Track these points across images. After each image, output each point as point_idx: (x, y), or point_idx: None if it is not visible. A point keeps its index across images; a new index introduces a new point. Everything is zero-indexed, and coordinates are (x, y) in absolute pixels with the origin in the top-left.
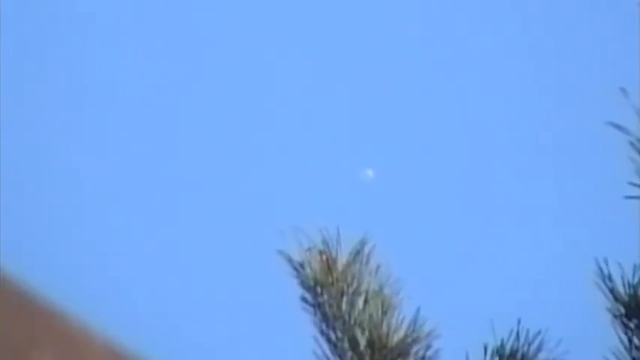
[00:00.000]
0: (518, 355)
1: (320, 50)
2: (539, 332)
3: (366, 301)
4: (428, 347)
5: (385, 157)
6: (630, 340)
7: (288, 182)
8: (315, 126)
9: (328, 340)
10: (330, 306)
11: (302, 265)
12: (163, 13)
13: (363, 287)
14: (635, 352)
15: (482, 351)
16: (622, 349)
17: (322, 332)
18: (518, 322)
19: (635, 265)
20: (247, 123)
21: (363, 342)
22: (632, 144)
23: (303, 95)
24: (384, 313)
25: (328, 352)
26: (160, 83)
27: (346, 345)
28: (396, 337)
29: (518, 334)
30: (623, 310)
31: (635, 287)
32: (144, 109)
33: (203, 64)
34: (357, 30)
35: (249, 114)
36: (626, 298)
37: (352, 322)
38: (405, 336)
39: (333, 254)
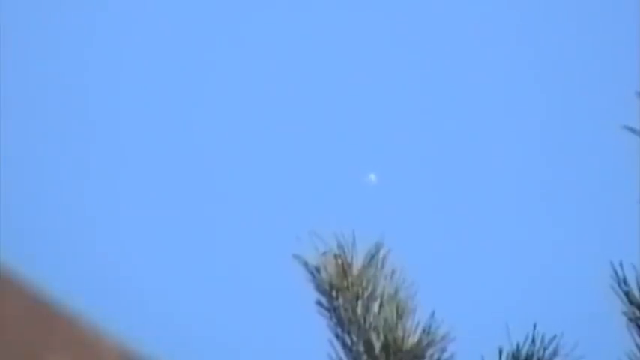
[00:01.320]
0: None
1: (326, 57)
2: (554, 337)
3: (381, 305)
4: (443, 350)
5: (396, 160)
6: None
7: (303, 187)
8: (325, 132)
9: (343, 343)
10: (346, 310)
11: (317, 269)
12: (162, 16)
13: (379, 291)
14: None
15: (498, 355)
16: (638, 352)
17: (337, 336)
18: (534, 326)
19: None
20: (260, 129)
21: (378, 346)
22: None
23: (312, 100)
24: (399, 316)
25: (343, 355)
26: (177, 85)
27: (361, 348)
28: (410, 341)
29: (533, 338)
30: (638, 313)
31: None
32: (157, 111)
33: (212, 66)
34: (361, 37)
35: (261, 120)
36: None
37: (367, 325)
38: (420, 339)
39: (349, 258)
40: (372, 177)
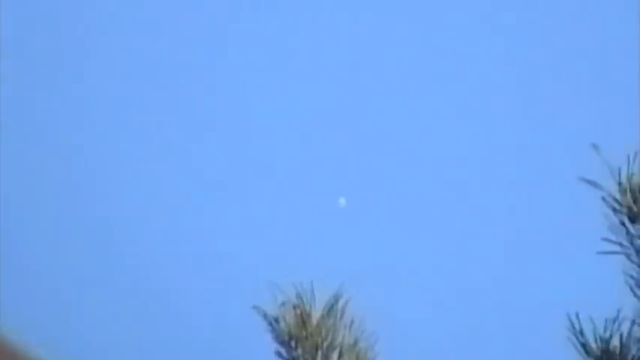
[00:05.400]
0: None
1: (286, 82)
2: None
3: (340, 355)
4: None
5: (357, 202)
6: None
7: (261, 238)
8: (280, 182)
9: None
10: None
11: (276, 320)
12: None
13: (338, 341)
14: None
15: None
16: None
17: None
18: None
19: (606, 320)
20: (215, 176)
21: None
22: (604, 199)
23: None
24: None
25: None
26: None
27: None
28: None
29: None
30: None
31: (607, 341)
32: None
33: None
34: (324, 65)
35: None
36: (598, 353)
37: None
38: None
39: (307, 309)
40: (342, 201)
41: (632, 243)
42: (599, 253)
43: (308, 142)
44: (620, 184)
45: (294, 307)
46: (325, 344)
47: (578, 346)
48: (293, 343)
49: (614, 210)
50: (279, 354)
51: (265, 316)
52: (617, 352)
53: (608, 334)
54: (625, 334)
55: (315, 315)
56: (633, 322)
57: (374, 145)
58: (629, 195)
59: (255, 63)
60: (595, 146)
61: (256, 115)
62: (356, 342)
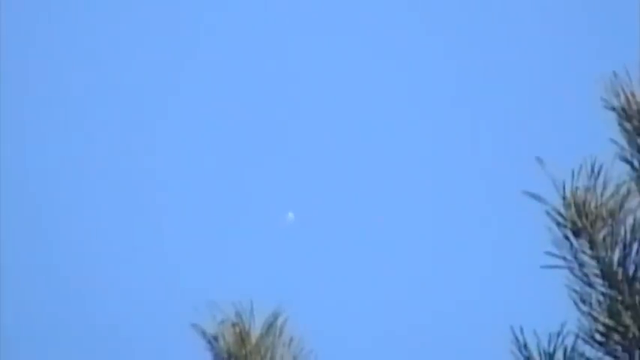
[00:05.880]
0: None
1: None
2: None
3: None
4: None
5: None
6: None
7: (200, 256)
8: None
9: None
10: None
11: (215, 338)
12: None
13: (277, 359)
14: None
15: None
16: None
17: None
18: None
19: (550, 334)
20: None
21: None
22: (548, 213)
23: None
24: None
25: None
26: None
27: None
28: None
29: None
30: None
31: (550, 355)
32: None
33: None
34: (274, 79)
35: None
36: None
37: None
38: None
39: (247, 327)
40: (290, 215)
41: (575, 257)
42: (542, 266)
43: (248, 166)
44: (564, 198)
45: (233, 326)
46: None
47: None
48: None
49: (558, 224)
50: None
51: (204, 334)
52: None
53: (552, 348)
54: (569, 348)
55: (254, 333)
56: (577, 336)
57: (315, 169)
58: (573, 209)
59: (207, 81)
60: (539, 160)
61: (200, 136)
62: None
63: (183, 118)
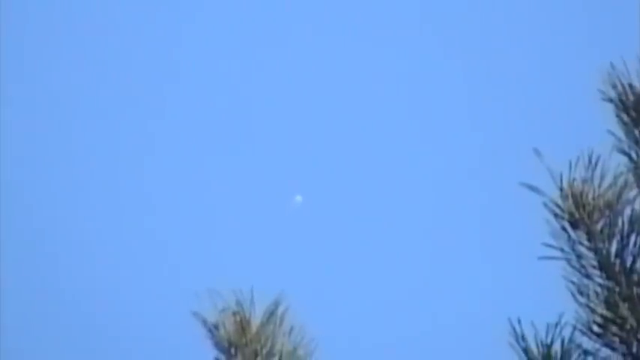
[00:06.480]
0: None
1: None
2: None
3: None
4: None
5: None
6: None
7: (202, 244)
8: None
9: None
10: None
11: (216, 327)
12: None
13: (277, 348)
14: None
15: None
16: None
17: None
18: None
19: (548, 325)
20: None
21: None
22: (545, 205)
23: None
24: None
25: None
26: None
27: None
28: None
29: None
30: None
31: (548, 347)
32: None
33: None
34: (277, 69)
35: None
36: (539, 358)
37: None
38: None
39: (247, 315)
40: (299, 198)
41: (573, 249)
42: (540, 258)
43: (245, 153)
44: (561, 189)
45: (234, 314)
46: (265, 351)
47: (520, 351)
48: (232, 350)
49: (556, 215)
50: None
51: (205, 322)
52: (559, 358)
53: (549, 340)
54: (566, 340)
55: (255, 322)
56: (574, 328)
57: (314, 164)
58: (570, 201)
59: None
60: (537, 151)
61: (199, 130)
62: (295, 349)
63: (188, 97)
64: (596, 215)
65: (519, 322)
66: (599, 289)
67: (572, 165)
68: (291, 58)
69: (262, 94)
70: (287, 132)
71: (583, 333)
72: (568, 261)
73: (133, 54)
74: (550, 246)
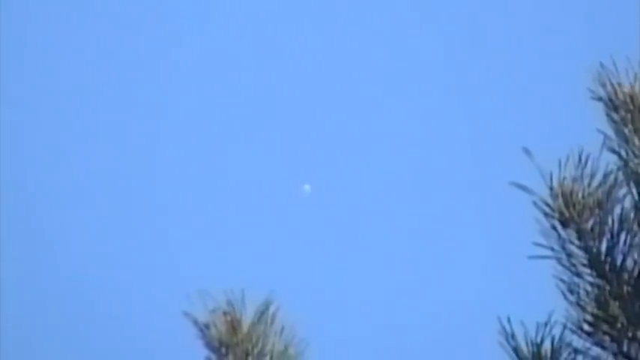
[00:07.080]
0: None
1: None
2: None
3: None
4: None
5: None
6: None
7: (191, 245)
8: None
9: None
10: None
11: (207, 326)
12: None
13: (268, 348)
14: None
15: None
16: None
17: None
18: None
19: (538, 324)
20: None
21: None
22: (535, 204)
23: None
24: None
25: None
26: None
27: None
28: None
29: None
30: None
31: (538, 346)
32: None
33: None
34: (286, 59)
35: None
36: (529, 357)
37: None
38: None
39: (238, 315)
40: (307, 187)
41: (563, 247)
42: (530, 257)
43: (254, 143)
44: (551, 188)
45: (225, 314)
46: (256, 351)
47: (510, 350)
48: (223, 350)
49: (546, 214)
50: None
51: (196, 322)
52: (549, 356)
53: (539, 338)
54: (556, 338)
55: (246, 321)
56: (565, 326)
57: (313, 162)
58: (560, 199)
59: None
60: (526, 150)
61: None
62: (286, 348)
63: (191, 87)
64: (586, 214)
65: (509, 321)
66: (589, 288)
67: (562, 164)
68: (301, 50)
69: (271, 85)
70: (294, 123)
71: (573, 332)
72: (558, 260)
73: (141, 50)
74: (540, 245)
